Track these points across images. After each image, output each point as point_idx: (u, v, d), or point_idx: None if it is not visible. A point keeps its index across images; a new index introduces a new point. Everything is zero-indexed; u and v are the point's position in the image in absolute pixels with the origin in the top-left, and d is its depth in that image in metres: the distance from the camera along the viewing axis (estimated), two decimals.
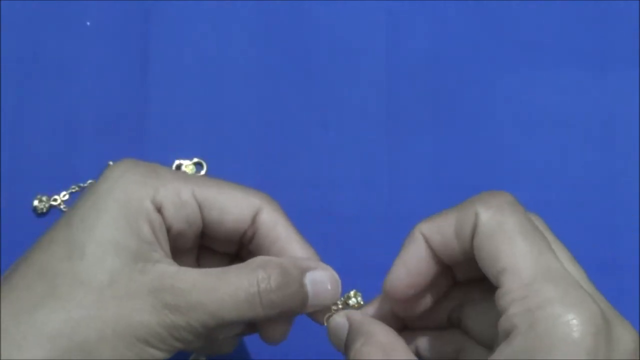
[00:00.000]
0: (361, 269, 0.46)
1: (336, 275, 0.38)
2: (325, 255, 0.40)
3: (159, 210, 0.37)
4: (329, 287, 0.38)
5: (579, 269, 0.34)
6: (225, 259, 0.41)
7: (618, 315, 0.32)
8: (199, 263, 0.41)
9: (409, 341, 0.38)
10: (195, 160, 0.52)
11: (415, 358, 0.34)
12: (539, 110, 0.54)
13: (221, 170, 0.52)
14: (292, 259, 0.38)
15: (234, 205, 0.38)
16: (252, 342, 0.48)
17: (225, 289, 0.35)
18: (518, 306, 0.31)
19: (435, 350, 0.38)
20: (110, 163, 0.50)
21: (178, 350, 0.36)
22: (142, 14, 0.54)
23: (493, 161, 0.53)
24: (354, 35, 0.55)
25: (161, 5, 0.55)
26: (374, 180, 0.52)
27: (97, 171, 0.41)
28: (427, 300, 0.37)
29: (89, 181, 0.51)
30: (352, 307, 0.38)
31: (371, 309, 0.38)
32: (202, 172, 0.52)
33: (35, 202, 0.51)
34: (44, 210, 0.51)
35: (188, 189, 0.38)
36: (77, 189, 0.52)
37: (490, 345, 0.35)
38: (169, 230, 0.37)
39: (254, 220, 0.39)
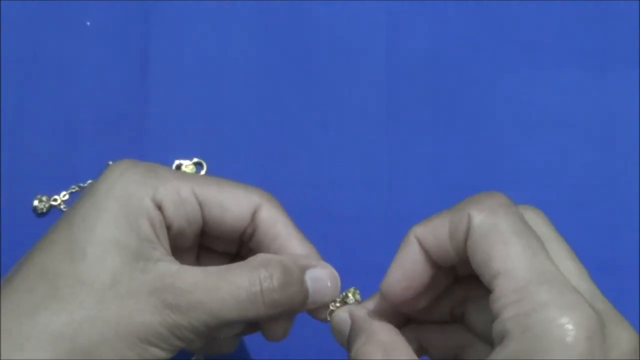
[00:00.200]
0: (361, 269, 0.45)
1: (335, 273, 0.39)
2: (326, 255, 0.40)
3: (159, 208, 0.37)
4: (329, 284, 0.38)
5: (579, 267, 0.33)
6: (225, 258, 0.41)
7: (617, 315, 0.32)
8: (198, 263, 0.41)
9: (412, 335, 0.38)
10: (195, 160, 0.52)
11: (417, 358, 0.34)
12: (539, 110, 0.54)
13: (221, 170, 0.52)
14: (293, 257, 0.38)
15: (234, 202, 0.38)
16: (252, 342, 0.48)
17: (226, 288, 0.35)
18: (512, 309, 0.31)
19: (439, 345, 0.38)
20: (110, 163, 0.50)
21: (180, 349, 0.35)
22: (142, 14, 0.54)
23: (493, 161, 0.53)
24: (354, 35, 0.55)
25: (161, 5, 0.55)
26: (374, 180, 0.52)
27: (97, 171, 0.41)
28: (426, 299, 0.37)
29: (89, 181, 0.51)
30: (352, 303, 0.38)
31: (372, 303, 0.38)
32: (202, 172, 0.52)
33: (35, 202, 0.51)
34: (44, 210, 0.51)
35: (188, 187, 0.38)
36: (77, 189, 0.52)
37: (492, 343, 0.35)
38: (169, 228, 0.37)
39: (253, 217, 0.39)
